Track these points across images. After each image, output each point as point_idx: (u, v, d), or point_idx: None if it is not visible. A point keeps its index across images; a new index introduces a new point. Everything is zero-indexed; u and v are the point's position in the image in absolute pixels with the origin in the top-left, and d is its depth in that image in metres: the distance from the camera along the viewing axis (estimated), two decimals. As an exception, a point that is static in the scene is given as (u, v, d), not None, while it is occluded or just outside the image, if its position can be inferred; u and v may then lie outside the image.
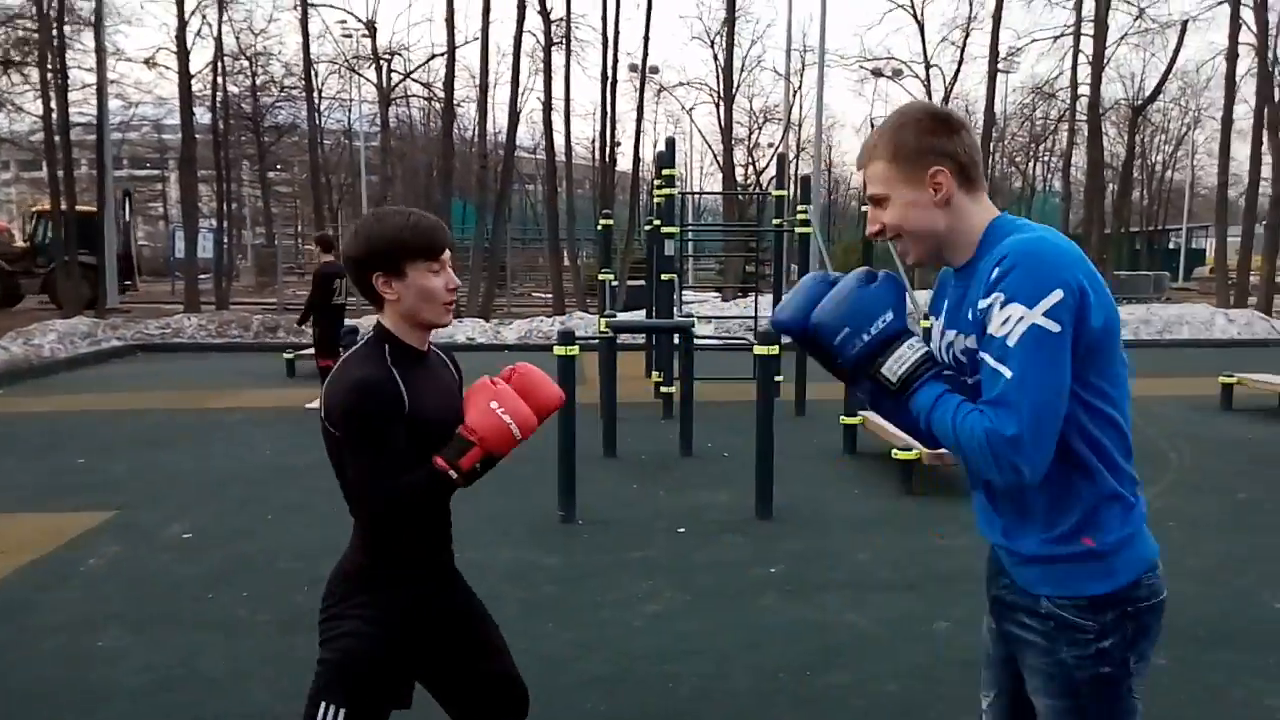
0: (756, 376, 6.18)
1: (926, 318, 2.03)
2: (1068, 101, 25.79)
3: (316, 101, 25.67)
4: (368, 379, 1.82)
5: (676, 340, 8.61)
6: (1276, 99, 20.88)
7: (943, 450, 3.62)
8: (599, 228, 12.77)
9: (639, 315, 12.81)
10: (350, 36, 27.14)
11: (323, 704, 1.88)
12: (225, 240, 24.84)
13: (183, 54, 20.14)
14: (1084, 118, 24.10)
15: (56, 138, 19.19)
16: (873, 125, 38.27)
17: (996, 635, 1.78)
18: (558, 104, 22.82)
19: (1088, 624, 1.58)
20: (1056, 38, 25.05)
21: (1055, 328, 1.45)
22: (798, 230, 10.53)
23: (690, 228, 15.25)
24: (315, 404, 9.39)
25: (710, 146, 33.00)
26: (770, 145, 32.86)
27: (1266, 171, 20.81)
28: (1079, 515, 1.58)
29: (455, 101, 23.67)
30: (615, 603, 4.37)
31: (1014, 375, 1.45)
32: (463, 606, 2.10)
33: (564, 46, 22.93)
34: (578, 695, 3.39)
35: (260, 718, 3.29)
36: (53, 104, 19.04)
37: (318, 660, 1.93)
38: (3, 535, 5.36)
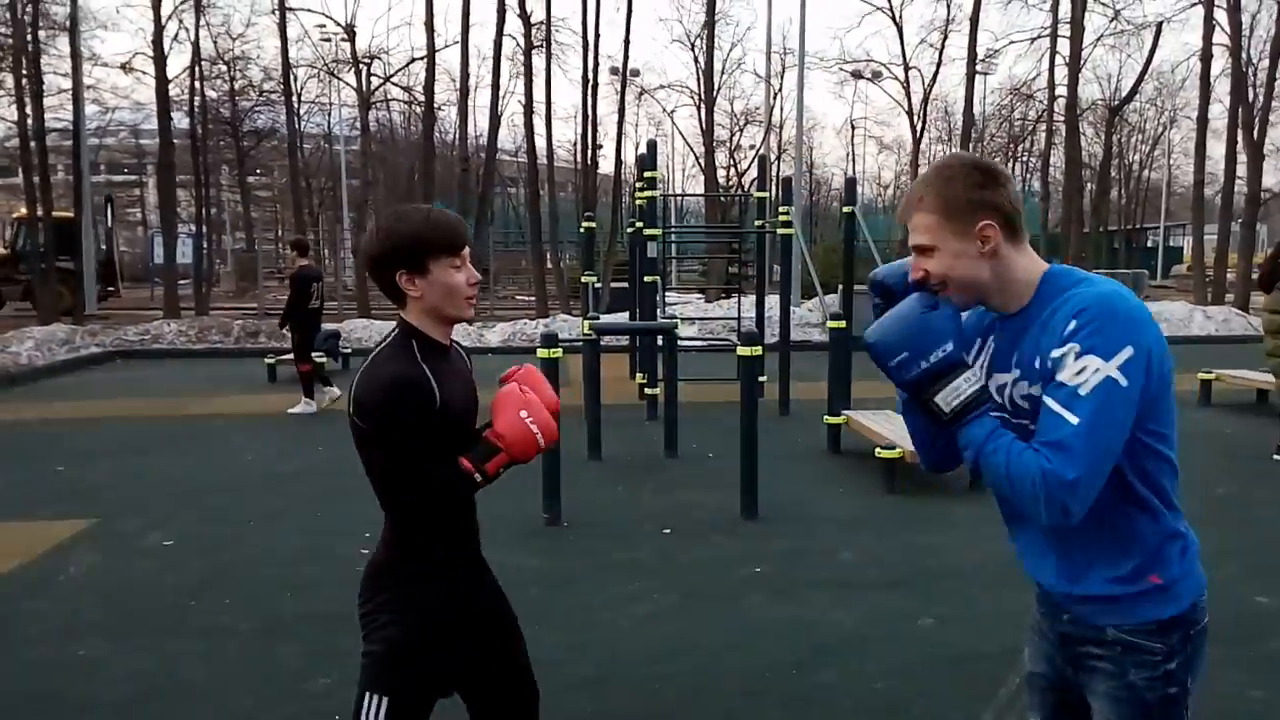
0: (740, 377, 6.19)
1: None
2: (1045, 102, 25.94)
3: (296, 106, 25.41)
4: (403, 376, 1.86)
5: (660, 342, 8.61)
6: (1250, 99, 21.12)
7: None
8: (581, 230, 12.76)
9: (623, 317, 12.81)
10: (329, 40, 26.97)
11: (367, 695, 1.93)
12: (205, 245, 24.59)
13: (160, 59, 19.93)
14: (1062, 118, 24.27)
15: (32, 144, 18.99)
16: (853, 127, 38.07)
17: (1051, 664, 1.79)
18: (539, 107, 22.71)
19: (1156, 645, 1.61)
20: (1033, 40, 25.22)
21: (1125, 382, 1.49)
22: (780, 231, 10.56)
23: (673, 230, 15.24)
24: (298, 409, 9.40)
25: (692, 149, 33.00)
26: (752, 147, 32.92)
27: (1242, 170, 21.03)
28: (1144, 556, 1.62)
29: (436, 105, 23.56)
30: (602, 604, 4.37)
31: (1081, 422, 1.49)
32: (493, 599, 2.15)
33: (544, 50, 22.84)
34: (566, 697, 3.38)
35: (244, 725, 3.26)
36: (28, 109, 18.84)
37: (362, 654, 1.97)
38: (-20, 545, 5.29)
